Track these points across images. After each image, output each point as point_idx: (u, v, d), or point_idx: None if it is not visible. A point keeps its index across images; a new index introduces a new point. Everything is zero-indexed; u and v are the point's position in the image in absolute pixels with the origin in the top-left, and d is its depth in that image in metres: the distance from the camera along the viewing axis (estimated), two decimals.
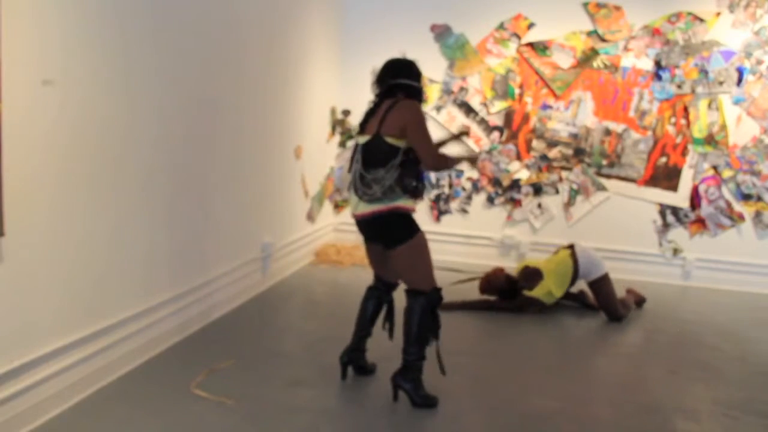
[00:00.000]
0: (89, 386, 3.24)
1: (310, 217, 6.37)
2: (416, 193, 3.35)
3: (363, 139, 3.40)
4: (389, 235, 3.34)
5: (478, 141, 6.66)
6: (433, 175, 6.74)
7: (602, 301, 5.09)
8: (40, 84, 2.80)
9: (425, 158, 3.30)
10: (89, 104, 3.12)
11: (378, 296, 3.65)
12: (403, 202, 3.31)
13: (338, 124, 6.90)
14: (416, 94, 3.45)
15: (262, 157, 5.17)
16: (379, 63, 3.57)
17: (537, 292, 5.05)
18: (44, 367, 2.94)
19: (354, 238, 6.91)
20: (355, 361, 3.65)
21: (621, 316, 5.05)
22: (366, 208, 3.36)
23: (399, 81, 3.42)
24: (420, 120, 3.30)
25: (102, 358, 3.32)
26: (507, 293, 5.12)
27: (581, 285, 5.46)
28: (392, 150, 3.28)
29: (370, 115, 3.45)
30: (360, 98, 6.79)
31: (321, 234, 6.67)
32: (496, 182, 6.67)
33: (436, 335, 3.36)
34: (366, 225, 3.43)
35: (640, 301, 5.44)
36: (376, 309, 3.65)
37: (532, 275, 5.09)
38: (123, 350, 3.49)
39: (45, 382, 2.94)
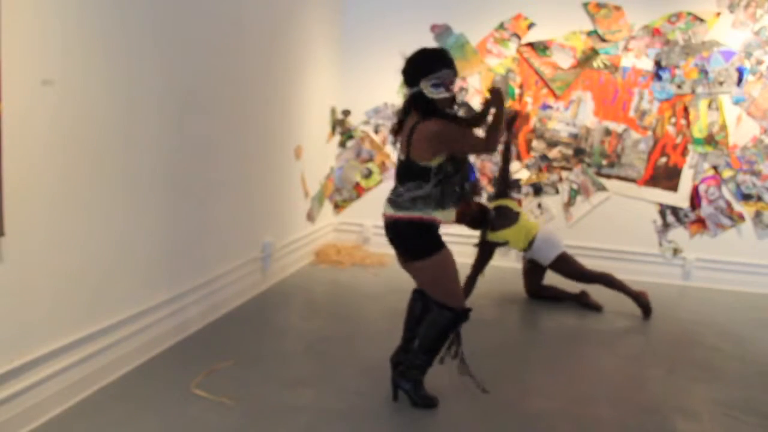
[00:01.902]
0: (89, 386, 3.24)
1: (310, 217, 6.37)
2: (457, 201, 3.27)
3: (400, 155, 3.31)
4: (405, 247, 3.28)
5: None
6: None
7: (571, 275, 5.27)
8: (39, 84, 2.80)
9: (478, 153, 3.44)
10: (89, 104, 3.13)
11: (423, 297, 3.44)
12: (429, 214, 3.18)
13: (338, 124, 6.90)
14: (424, 106, 3.19)
15: (262, 157, 5.17)
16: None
17: (506, 234, 5.19)
18: (44, 367, 2.94)
19: (354, 239, 6.93)
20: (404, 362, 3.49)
21: (593, 279, 5.20)
22: (389, 211, 3.28)
23: (416, 89, 3.19)
24: (446, 133, 3.15)
25: (102, 358, 3.33)
26: (477, 222, 5.19)
27: (582, 284, 5.47)
28: (424, 170, 3.18)
29: (403, 116, 3.31)
30: (360, 98, 6.82)
31: (321, 234, 6.68)
32: (496, 182, 6.67)
33: (456, 353, 3.36)
34: (386, 229, 3.32)
35: (643, 306, 5.26)
36: (423, 310, 3.45)
37: (508, 215, 5.22)
38: (123, 350, 3.49)
39: (45, 382, 2.94)
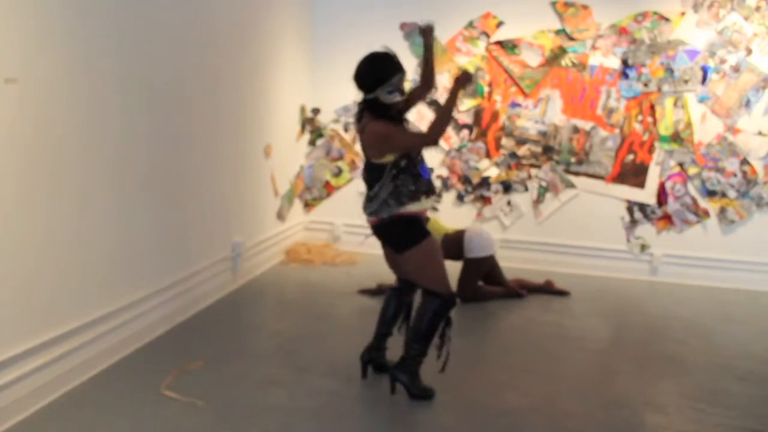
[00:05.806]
0: (56, 390, 3.19)
1: (280, 216, 6.34)
2: (423, 193, 3.36)
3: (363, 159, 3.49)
4: (394, 240, 3.41)
5: (448, 139, 6.68)
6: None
7: (462, 278, 5.25)
8: (1, 82, 2.74)
9: (425, 146, 3.33)
10: (50, 103, 3.07)
11: (399, 297, 3.68)
12: (406, 209, 3.31)
13: (308, 122, 6.87)
14: (380, 110, 3.33)
15: (231, 156, 5.13)
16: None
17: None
18: (7, 372, 2.89)
19: (325, 237, 6.91)
20: (375, 359, 3.69)
21: (465, 298, 5.17)
22: (370, 218, 3.44)
23: (371, 96, 3.32)
24: (387, 134, 3.26)
25: (69, 361, 3.27)
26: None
27: (546, 274, 5.54)
28: (380, 168, 3.33)
29: (358, 121, 3.47)
30: (330, 96, 6.80)
31: (291, 233, 6.64)
32: (465, 180, 6.70)
33: (444, 339, 3.44)
34: (373, 229, 3.49)
35: (552, 291, 5.59)
36: (397, 310, 3.68)
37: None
38: (91, 352, 3.44)
39: (9, 387, 2.89)
